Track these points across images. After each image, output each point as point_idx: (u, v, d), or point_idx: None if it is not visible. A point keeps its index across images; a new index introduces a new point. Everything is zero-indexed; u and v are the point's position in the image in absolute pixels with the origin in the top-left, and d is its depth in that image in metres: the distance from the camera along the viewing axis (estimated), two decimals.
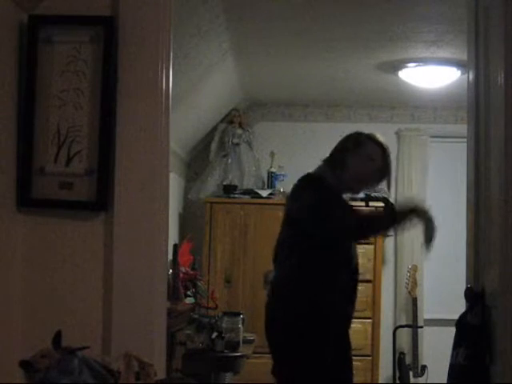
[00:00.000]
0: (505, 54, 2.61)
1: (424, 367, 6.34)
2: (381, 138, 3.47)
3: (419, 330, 6.42)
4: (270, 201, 6.21)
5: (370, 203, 6.37)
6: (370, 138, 3.42)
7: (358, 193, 3.53)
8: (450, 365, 2.82)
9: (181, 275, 4.87)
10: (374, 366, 6.25)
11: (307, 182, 3.34)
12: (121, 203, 2.75)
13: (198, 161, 6.95)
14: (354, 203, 6.16)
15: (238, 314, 4.87)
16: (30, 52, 2.75)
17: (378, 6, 4.31)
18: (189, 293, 5.04)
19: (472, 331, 2.76)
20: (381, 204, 6.36)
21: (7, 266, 2.70)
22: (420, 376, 6.33)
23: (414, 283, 6.50)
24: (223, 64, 5.40)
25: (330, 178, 3.33)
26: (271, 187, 6.45)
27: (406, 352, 6.40)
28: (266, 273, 6.09)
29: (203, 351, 4.69)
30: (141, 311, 2.72)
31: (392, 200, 6.69)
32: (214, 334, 4.72)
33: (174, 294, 4.57)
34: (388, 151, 3.43)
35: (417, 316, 6.43)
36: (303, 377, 3.15)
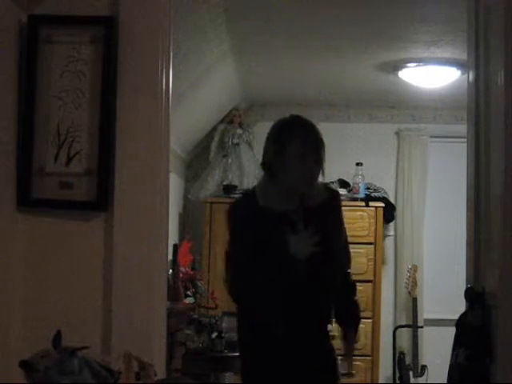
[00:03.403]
0: (505, 53, 2.61)
1: (424, 367, 6.34)
2: (298, 121, 3.04)
3: (419, 329, 6.42)
4: None
5: (370, 203, 6.38)
6: (290, 134, 2.98)
7: (309, 189, 3.02)
8: (450, 365, 2.82)
9: (181, 275, 4.87)
10: (374, 366, 6.25)
11: (232, 217, 3.14)
12: (121, 203, 2.75)
13: (198, 161, 6.95)
14: (353, 203, 6.22)
15: None
16: (29, 52, 2.76)
17: (378, 5, 4.31)
18: (189, 293, 5.04)
19: (472, 331, 2.76)
20: (381, 204, 6.39)
21: (7, 266, 2.70)
22: (420, 376, 6.33)
23: (414, 283, 6.50)
24: (223, 64, 5.40)
25: (266, 193, 3.02)
26: None
27: (405, 352, 6.40)
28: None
29: (203, 351, 4.69)
30: (141, 311, 2.72)
31: (392, 200, 6.70)
32: (214, 334, 4.73)
33: (174, 294, 4.57)
34: (311, 133, 2.99)
35: (417, 316, 6.43)
36: None
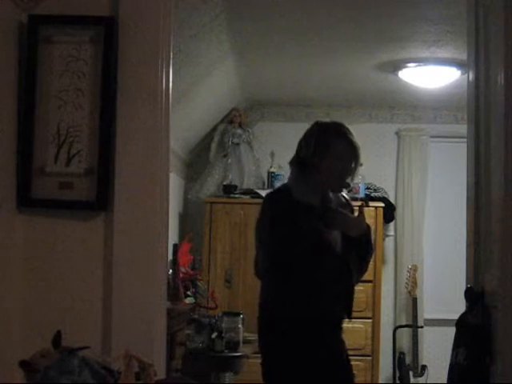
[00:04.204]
0: (505, 53, 2.61)
1: (424, 367, 6.35)
2: (344, 127, 3.28)
3: (419, 329, 6.43)
4: None
5: (370, 203, 6.37)
6: (336, 136, 3.22)
7: (339, 191, 3.43)
8: (450, 365, 2.82)
9: (181, 275, 4.87)
10: (374, 366, 6.25)
11: (268, 204, 3.25)
12: (121, 203, 2.75)
13: (198, 161, 6.95)
14: (353, 203, 6.21)
15: (238, 314, 4.87)
16: (30, 52, 2.75)
17: (378, 6, 4.31)
18: (189, 293, 5.04)
19: (472, 331, 2.75)
20: (381, 204, 6.39)
21: (7, 266, 2.70)
22: (420, 376, 6.33)
23: (414, 283, 6.50)
24: (223, 64, 5.40)
25: (299, 187, 3.20)
26: (271, 187, 6.45)
27: (405, 352, 6.41)
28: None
29: (203, 351, 4.69)
30: (141, 311, 2.72)
31: (392, 200, 6.70)
32: (214, 334, 4.72)
33: (174, 294, 4.57)
34: (354, 141, 3.24)
35: (417, 316, 6.43)
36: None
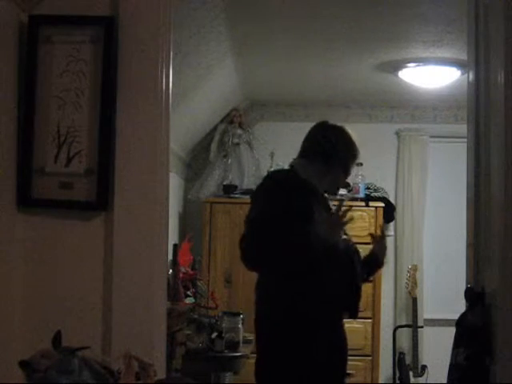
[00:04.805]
0: (505, 53, 2.61)
1: (424, 367, 6.35)
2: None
3: (419, 329, 6.43)
4: None
5: (370, 203, 6.37)
6: (356, 150, 3.38)
7: (336, 193, 3.53)
8: (450, 365, 2.82)
9: (181, 275, 4.87)
10: (374, 366, 6.25)
11: (269, 185, 3.26)
12: (121, 203, 2.75)
13: (198, 161, 6.96)
14: (353, 203, 6.22)
15: (238, 314, 4.87)
16: (30, 52, 2.75)
17: (378, 5, 4.31)
18: (189, 293, 5.04)
19: (472, 331, 2.76)
20: (381, 204, 6.39)
21: (7, 266, 2.70)
22: (420, 376, 6.33)
23: (414, 283, 6.50)
24: (223, 64, 5.40)
25: (307, 170, 3.25)
26: None
27: (405, 352, 6.41)
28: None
29: (203, 351, 4.69)
30: (141, 311, 2.72)
31: (392, 200, 6.70)
32: (214, 334, 4.72)
33: (174, 294, 4.57)
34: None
35: (417, 316, 6.43)
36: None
